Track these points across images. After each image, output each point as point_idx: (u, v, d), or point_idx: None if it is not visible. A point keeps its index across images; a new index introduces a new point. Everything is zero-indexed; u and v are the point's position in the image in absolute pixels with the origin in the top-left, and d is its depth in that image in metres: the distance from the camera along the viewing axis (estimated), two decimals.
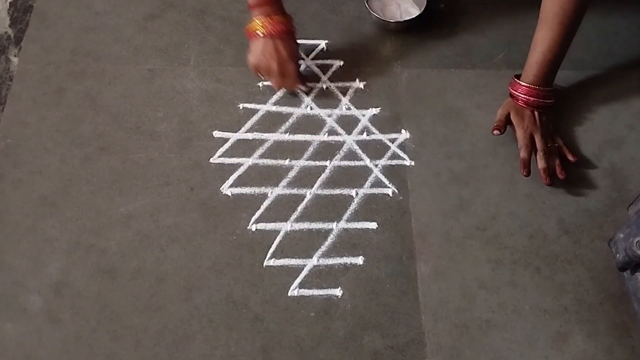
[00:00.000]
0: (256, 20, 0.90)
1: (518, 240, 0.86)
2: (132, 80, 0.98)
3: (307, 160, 0.92)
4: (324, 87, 0.99)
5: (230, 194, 0.88)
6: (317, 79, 1.00)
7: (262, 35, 0.90)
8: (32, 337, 0.77)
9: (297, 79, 0.95)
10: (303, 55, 1.01)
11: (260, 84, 0.98)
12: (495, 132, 0.89)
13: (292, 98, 0.98)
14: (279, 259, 0.83)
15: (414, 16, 1.03)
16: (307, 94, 0.97)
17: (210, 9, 1.07)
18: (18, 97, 0.96)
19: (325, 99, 0.98)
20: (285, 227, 0.86)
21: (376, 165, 0.92)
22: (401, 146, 0.94)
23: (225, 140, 0.93)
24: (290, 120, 0.95)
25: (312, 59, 1.02)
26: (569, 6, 0.83)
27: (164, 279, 0.81)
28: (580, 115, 0.97)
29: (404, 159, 0.92)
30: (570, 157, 0.90)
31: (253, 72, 0.95)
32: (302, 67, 0.99)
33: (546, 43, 0.86)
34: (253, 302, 0.80)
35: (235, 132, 0.94)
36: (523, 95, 0.89)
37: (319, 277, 0.82)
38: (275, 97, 0.97)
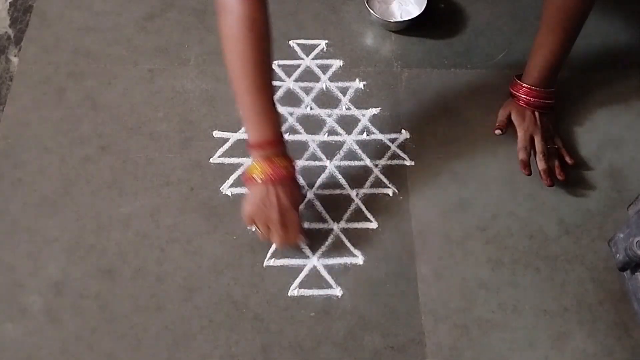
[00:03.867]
0: (255, 164, 0.78)
1: (518, 240, 0.86)
2: (132, 80, 0.98)
3: (307, 160, 0.92)
4: (324, 87, 0.99)
5: (230, 194, 0.88)
6: (317, 79, 1.00)
7: (260, 181, 0.77)
8: (32, 337, 0.77)
9: (299, 230, 0.82)
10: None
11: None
12: (497, 131, 0.89)
13: (292, 98, 0.98)
14: (279, 259, 0.83)
15: (414, 16, 1.03)
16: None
17: (210, 9, 1.07)
18: (18, 97, 0.96)
19: (325, 99, 0.98)
20: None
21: (376, 165, 0.92)
22: (401, 146, 0.94)
23: (225, 140, 0.93)
24: (290, 120, 0.95)
25: (312, 59, 1.02)
26: (572, 12, 0.83)
27: (164, 279, 0.81)
28: (580, 116, 0.97)
29: (404, 159, 0.92)
30: (567, 160, 0.90)
31: (247, 223, 0.81)
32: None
33: (548, 47, 0.86)
34: (253, 302, 0.80)
35: (235, 132, 0.94)
36: (524, 96, 0.89)
37: (319, 277, 0.82)
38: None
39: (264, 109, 0.76)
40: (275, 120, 0.78)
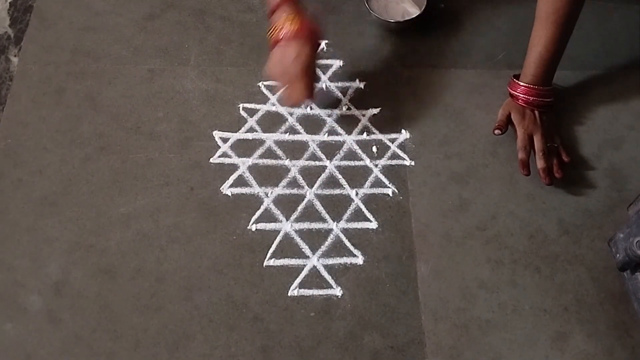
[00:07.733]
0: (273, 25, 0.84)
1: (518, 240, 0.86)
2: (132, 80, 0.98)
3: (307, 160, 0.92)
4: (324, 87, 0.99)
5: (230, 194, 0.88)
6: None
7: (277, 38, 0.83)
8: (32, 337, 0.77)
9: (304, 90, 0.85)
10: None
11: (260, 84, 0.98)
12: (497, 131, 0.89)
13: None
14: (279, 259, 0.83)
15: (414, 16, 1.03)
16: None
17: (210, 9, 1.07)
18: (18, 97, 0.96)
19: (325, 99, 0.98)
20: (285, 227, 0.86)
21: (376, 165, 0.92)
22: (401, 146, 0.94)
23: (225, 140, 0.93)
24: (290, 120, 0.95)
25: None
26: (562, 5, 0.84)
27: (164, 279, 0.81)
28: (580, 115, 0.97)
29: (404, 159, 0.92)
30: (564, 157, 0.90)
31: (270, 78, 0.88)
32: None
33: (542, 42, 0.86)
34: (253, 302, 0.80)
35: (235, 132, 0.94)
36: (523, 95, 0.89)
37: (319, 277, 0.82)
38: (275, 97, 0.97)
39: None
40: None
